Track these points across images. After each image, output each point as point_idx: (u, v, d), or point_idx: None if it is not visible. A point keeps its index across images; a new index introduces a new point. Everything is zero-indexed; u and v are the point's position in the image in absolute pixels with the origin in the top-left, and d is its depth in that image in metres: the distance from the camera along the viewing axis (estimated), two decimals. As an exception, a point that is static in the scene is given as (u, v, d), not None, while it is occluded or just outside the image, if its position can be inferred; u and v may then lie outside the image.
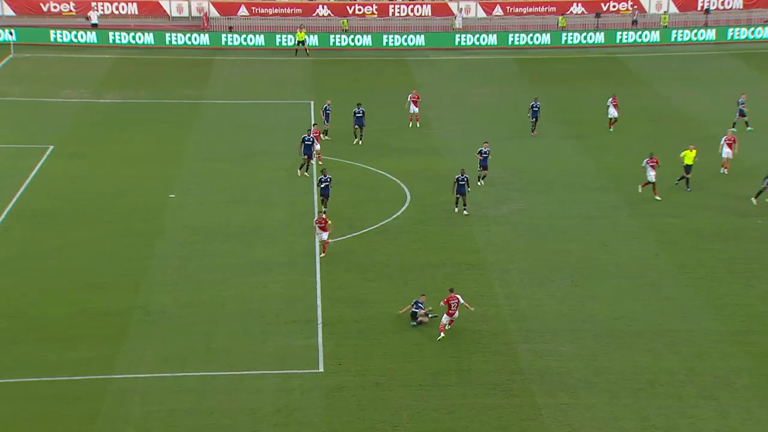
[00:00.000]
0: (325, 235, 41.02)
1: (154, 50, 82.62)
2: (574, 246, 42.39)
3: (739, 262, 40.95)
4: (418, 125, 59.69)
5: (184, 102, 66.93)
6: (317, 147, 52.09)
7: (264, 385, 32.07)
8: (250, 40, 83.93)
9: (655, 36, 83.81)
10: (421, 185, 50.04)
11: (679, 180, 48.39)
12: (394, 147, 56.74)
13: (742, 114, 58.45)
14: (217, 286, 39.25)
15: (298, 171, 51.07)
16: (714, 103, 64.99)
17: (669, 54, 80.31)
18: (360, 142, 56.56)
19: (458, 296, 34.95)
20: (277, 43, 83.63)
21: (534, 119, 58.09)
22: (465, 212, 45.38)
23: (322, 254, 40.76)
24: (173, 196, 48.68)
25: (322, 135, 55.29)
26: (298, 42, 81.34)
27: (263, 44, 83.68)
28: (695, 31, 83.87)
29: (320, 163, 51.68)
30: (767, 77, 71.95)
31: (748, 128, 58.07)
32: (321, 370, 32.96)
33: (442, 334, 34.58)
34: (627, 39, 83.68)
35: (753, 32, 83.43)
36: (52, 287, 39.12)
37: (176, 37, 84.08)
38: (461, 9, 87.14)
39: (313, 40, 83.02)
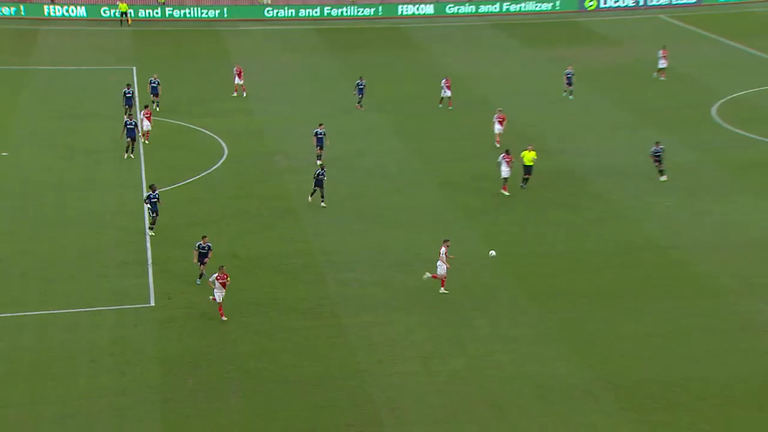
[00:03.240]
0: (220, 295, 31.27)
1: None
2: (368, 191, 42.50)
3: (503, 205, 42.11)
4: (244, 95, 57.37)
5: (12, 69, 63.44)
6: (147, 127, 48.12)
7: (101, 321, 31.13)
8: (72, 11, 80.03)
9: (429, 9, 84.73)
10: (237, 141, 49.18)
11: (523, 182, 42.55)
12: (211, 109, 55.50)
13: (569, 83, 56.85)
14: (54, 234, 37.70)
15: (125, 154, 45.85)
16: (479, 66, 66.32)
17: (441, 24, 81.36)
18: (158, 108, 53.21)
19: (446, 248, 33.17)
20: (101, 14, 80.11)
21: (360, 95, 54.76)
22: (323, 204, 40.10)
23: (224, 318, 31.18)
24: (6, 154, 46.39)
25: (154, 108, 52.36)
26: (122, 13, 78.30)
27: (85, 15, 79.93)
28: (460, 5, 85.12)
29: (147, 142, 47.99)
30: (519, 43, 73.88)
31: (570, 97, 56.72)
32: (152, 304, 32.21)
33: (443, 290, 33.10)
34: (406, 12, 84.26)
35: (504, 7, 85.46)
36: None
37: (2, 9, 79.29)
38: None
39: (133, 12, 79.94)
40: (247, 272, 34.34)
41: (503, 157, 41.64)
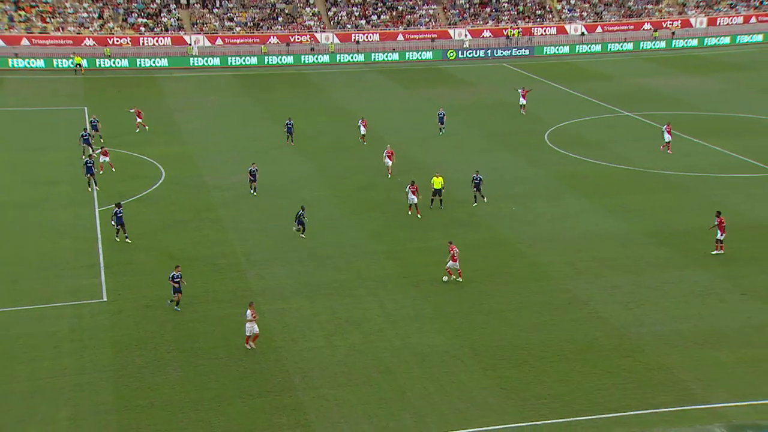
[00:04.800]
0: (251, 328, 27.82)
1: (-45, 71, 74.22)
2: (285, 202, 42.07)
3: (393, 214, 42.31)
4: (146, 128, 54.74)
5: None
6: (105, 159, 45.96)
7: (61, 314, 29.96)
8: (32, 63, 76.99)
9: (326, 58, 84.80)
10: (173, 165, 48.08)
11: (432, 203, 41.02)
12: (151, 139, 54.15)
13: (441, 122, 55.37)
14: (17, 243, 36.18)
15: (87, 188, 43.05)
16: (367, 102, 66.66)
17: (335, 70, 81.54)
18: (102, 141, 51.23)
19: (455, 247, 32.69)
20: (55, 65, 77.26)
21: (289, 133, 52.50)
22: (302, 236, 37.24)
23: (248, 345, 27.78)
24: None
25: (94, 142, 50.17)
26: (77, 64, 75.65)
27: (44, 66, 77.04)
28: (351, 55, 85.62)
29: (114, 170, 45.91)
30: (398, 85, 74.60)
31: (441, 132, 55.25)
32: (105, 299, 31.16)
33: (446, 278, 32.70)
34: (307, 60, 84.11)
35: (388, 56, 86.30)
36: None
37: (-27, 61, 75.93)
38: (195, 40, 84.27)
39: (84, 63, 77.49)
40: (183, 270, 33.47)
41: (409, 188, 39.44)
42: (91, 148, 48.26)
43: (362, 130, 53.04)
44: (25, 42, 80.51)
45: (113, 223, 36.31)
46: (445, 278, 33.03)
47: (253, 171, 43.10)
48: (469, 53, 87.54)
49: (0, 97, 65.71)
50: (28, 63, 77.01)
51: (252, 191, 42.90)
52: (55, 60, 77.67)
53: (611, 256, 35.40)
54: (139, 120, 55.54)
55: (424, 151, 51.85)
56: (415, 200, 39.61)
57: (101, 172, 45.66)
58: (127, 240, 36.40)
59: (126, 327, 29.16)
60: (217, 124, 58.78)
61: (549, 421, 23.77)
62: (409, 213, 39.91)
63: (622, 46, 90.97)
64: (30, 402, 24.56)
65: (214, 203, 42.13)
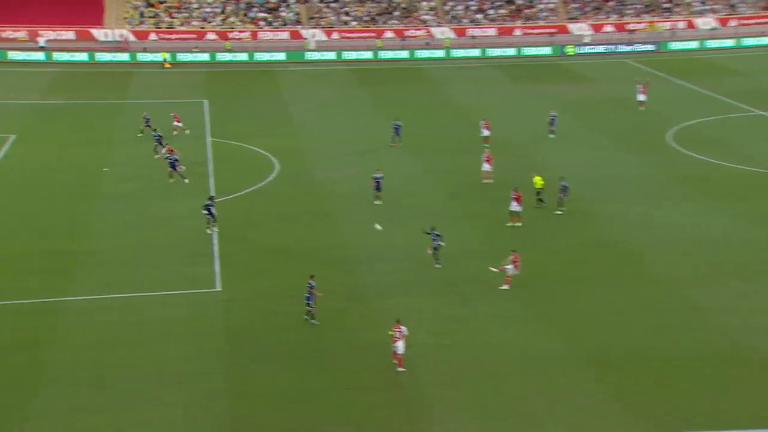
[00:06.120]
0: (401, 346, 26.63)
1: (87, 65, 78.47)
2: (387, 196, 41.86)
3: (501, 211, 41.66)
4: (186, 132, 53.16)
5: (111, 102, 63.84)
6: (166, 154, 45.57)
7: (178, 301, 31.27)
8: (157, 56, 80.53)
9: (440, 53, 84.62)
10: (286, 158, 49.10)
11: (539, 202, 40.07)
12: (264, 131, 55.58)
13: (551, 124, 53.07)
14: (140, 232, 37.89)
15: (169, 179, 44.07)
16: (481, 98, 66.11)
17: (450, 65, 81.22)
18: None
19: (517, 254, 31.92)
20: (179, 59, 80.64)
21: (396, 134, 51.13)
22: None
23: (400, 368, 26.50)
24: (107, 170, 46.66)
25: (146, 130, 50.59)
26: (164, 59, 78.75)
27: (169, 59, 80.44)
28: (467, 50, 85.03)
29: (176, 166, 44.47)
30: (512, 81, 73.62)
31: (551, 136, 53.10)
32: (219, 289, 32.29)
33: (505, 286, 31.75)
34: (422, 55, 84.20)
35: (504, 51, 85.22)
36: (20, 235, 37.13)
37: (104, 56, 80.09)
38: (312, 34, 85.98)
39: (204, 57, 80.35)
40: (292, 263, 34.33)
41: (512, 194, 37.94)
42: (161, 145, 47.86)
43: (485, 131, 50.99)
44: (152, 36, 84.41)
45: (205, 213, 37.05)
46: (505, 287, 31.93)
47: (378, 178, 40.83)
48: (589, 49, 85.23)
49: (128, 90, 69.15)
50: (155, 57, 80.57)
51: (376, 201, 40.83)
52: (178, 54, 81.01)
53: (733, 261, 33.82)
54: (177, 123, 53.54)
55: (537, 149, 50.96)
56: (518, 209, 37.95)
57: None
58: (213, 231, 36.81)
59: (239, 316, 30.11)
60: (329, 117, 59.74)
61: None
62: (509, 224, 38.01)
63: (759, 41, 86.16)
64: (146, 386, 25.73)
65: (325, 196, 42.77)
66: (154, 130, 50.01)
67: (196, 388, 25.52)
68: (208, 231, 37.24)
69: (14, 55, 78.85)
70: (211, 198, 38.21)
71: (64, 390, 25.34)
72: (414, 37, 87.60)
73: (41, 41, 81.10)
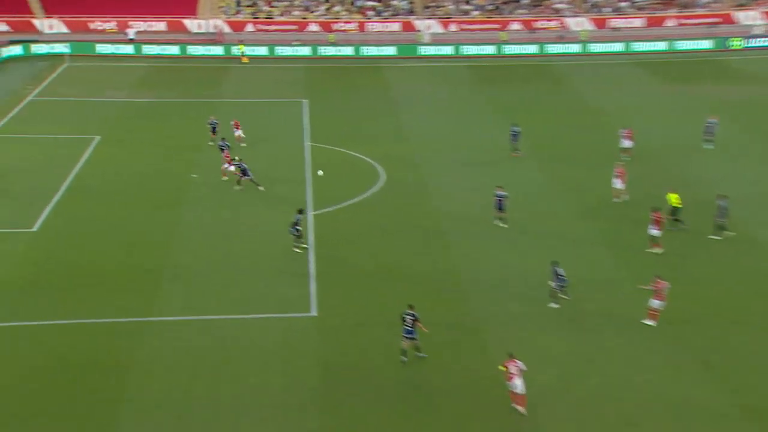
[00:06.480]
0: (520, 385, 26.17)
1: (178, 59, 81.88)
2: (514, 215, 41.95)
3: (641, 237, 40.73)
4: (243, 145, 52.49)
5: (203, 101, 66.22)
6: (230, 168, 46.59)
7: (268, 326, 31.92)
8: (255, 51, 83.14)
9: (575, 47, 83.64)
10: (393, 166, 49.59)
11: (674, 223, 39.36)
12: (369, 136, 56.33)
13: (709, 133, 51.76)
14: (227, 245, 38.99)
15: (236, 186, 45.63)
16: (622, 101, 64.89)
17: (586, 62, 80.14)
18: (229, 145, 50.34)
19: (665, 282, 31.15)
20: (277, 54, 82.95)
21: (515, 141, 51.19)
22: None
23: (520, 409, 26.28)
24: (196, 176, 48.29)
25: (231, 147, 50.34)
26: (241, 53, 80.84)
27: (266, 54, 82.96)
28: (607, 44, 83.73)
29: (239, 187, 45.67)
30: (661, 81, 71.88)
31: (708, 146, 51.75)
32: (314, 314, 32.78)
33: (651, 321, 31.13)
34: (553, 50, 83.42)
35: (653, 46, 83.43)
36: (99, 247, 38.85)
37: (196, 49, 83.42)
38: (426, 26, 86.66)
39: (305, 51, 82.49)
40: (397, 287, 34.52)
41: (653, 216, 37.23)
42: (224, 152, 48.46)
43: (625, 143, 49.88)
44: (249, 28, 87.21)
45: (291, 230, 37.65)
46: (650, 322, 31.07)
47: (501, 196, 40.27)
48: (762, 42, 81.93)
49: (221, 87, 71.61)
50: (251, 50, 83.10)
51: (499, 222, 40.41)
52: (277, 48, 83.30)
53: None
54: (238, 132, 53.69)
55: (688, 162, 49.51)
56: (657, 233, 37.17)
57: (225, 179, 46.87)
58: (302, 249, 37.63)
59: (336, 345, 30.52)
60: (443, 121, 59.96)
61: None
62: (650, 249, 37.30)
63: None
64: (231, 418, 26.37)
65: (437, 213, 42.91)
66: (222, 138, 50.86)
67: (285, 425, 25.96)
68: (296, 250, 37.93)
69: (102, 48, 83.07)
70: (300, 211, 38.68)
71: (145, 418, 26.32)
72: (545, 29, 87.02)
73: (131, 33, 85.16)
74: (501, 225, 40.45)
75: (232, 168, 46.64)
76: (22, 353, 30.09)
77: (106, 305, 33.31)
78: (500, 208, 40.54)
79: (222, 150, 49.17)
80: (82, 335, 31.20)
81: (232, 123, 54.72)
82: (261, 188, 45.61)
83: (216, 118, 54.74)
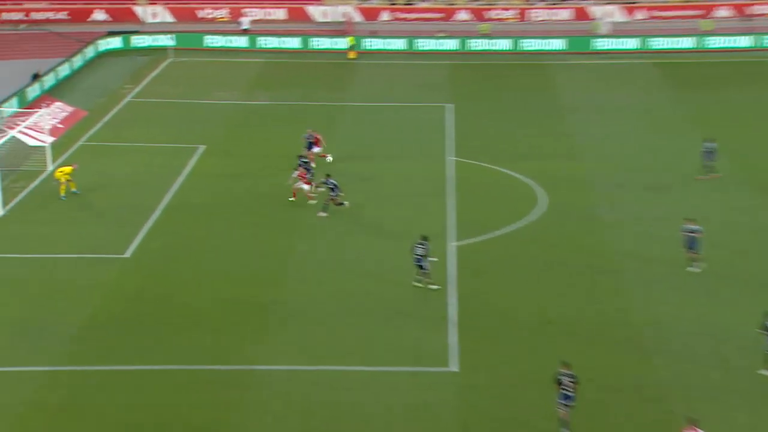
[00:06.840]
0: None
1: (299, 54, 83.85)
2: (711, 254, 40.53)
3: None
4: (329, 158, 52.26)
5: (328, 104, 67.46)
6: (303, 187, 47.53)
7: (398, 381, 32.03)
8: (391, 44, 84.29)
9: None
10: (558, 188, 49.30)
11: None
12: (528, 150, 56.10)
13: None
14: (352, 283, 39.40)
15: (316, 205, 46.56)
16: None
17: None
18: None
19: None
20: (417, 47, 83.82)
21: (709, 161, 50.06)
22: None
23: None
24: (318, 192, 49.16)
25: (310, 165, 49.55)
26: (350, 46, 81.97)
27: (403, 48, 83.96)
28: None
29: (309, 201, 47.21)
30: None
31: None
32: (452, 368, 32.74)
33: None
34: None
35: None
36: (199, 278, 40.02)
37: (321, 41, 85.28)
38: (606, 13, 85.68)
39: (451, 44, 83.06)
40: (558, 339, 34.13)
41: None
42: (308, 171, 48.43)
43: None
44: (384, 16, 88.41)
45: (415, 262, 37.88)
46: None
47: (694, 231, 39.15)
48: None
49: (350, 88, 72.89)
50: (385, 44, 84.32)
51: (692, 267, 39.53)
52: (417, 41, 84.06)
53: None
54: (317, 149, 52.69)
55: None
56: None
57: (292, 199, 47.38)
58: (430, 286, 37.80)
59: (480, 410, 30.30)
60: (624, 134, 59.13)
61: None
62: None
63: None
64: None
65: (611, 248, 42.26)
66: (304, 154, 50.52)
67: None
68: (417, 284, 38.04)
69: (211, 39, 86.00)
70: (423, 240, 38.23)
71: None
72: (763, 15, 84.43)
73: (244, 22, 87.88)
74: (693, 270, 39.51)
75: (307, 187, 47.27)
76: (113, 403, 30.89)
77: (205, 349, 34.25)
78: (691, 247, 39.53)
79: (306, 169, 48.53)
80: (177, 384, 32.11)
81: (306, 136, 53.07)
82: (346, 204, 46.19)
83: (314, 130, 53.80)
